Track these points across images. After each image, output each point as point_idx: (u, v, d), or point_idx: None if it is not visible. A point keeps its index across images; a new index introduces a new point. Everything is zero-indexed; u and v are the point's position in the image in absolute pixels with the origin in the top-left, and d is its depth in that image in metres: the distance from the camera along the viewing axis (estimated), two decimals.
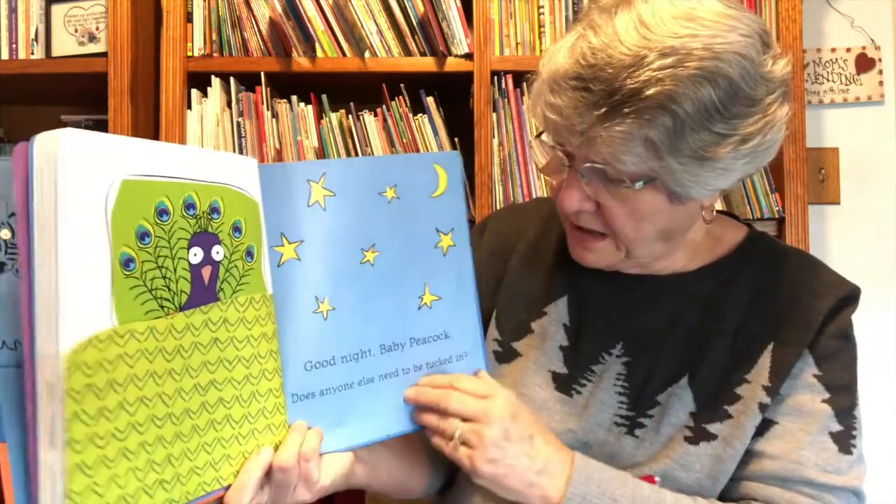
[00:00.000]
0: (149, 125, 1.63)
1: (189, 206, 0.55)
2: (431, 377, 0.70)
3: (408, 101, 1.60)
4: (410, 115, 1.59)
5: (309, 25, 1.57)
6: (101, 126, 1.68)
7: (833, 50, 1.93)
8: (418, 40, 1.60)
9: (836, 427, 0.72)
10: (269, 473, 0.61)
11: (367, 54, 1.59)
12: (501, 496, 0.68)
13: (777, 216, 1.61)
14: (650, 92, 0.60)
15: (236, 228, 0.59)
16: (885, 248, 1.94)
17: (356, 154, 1.60)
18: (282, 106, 1.60)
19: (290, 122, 1.60)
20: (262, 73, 1.58)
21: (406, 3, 1.58)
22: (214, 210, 0.57)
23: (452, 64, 1.59)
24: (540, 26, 1.62)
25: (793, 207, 1.60)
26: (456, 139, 1.61)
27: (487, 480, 0.67)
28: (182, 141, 1.58)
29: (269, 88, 1.60)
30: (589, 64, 0.62)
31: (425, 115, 1.59)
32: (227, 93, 1.61)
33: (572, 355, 0.79)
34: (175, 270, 0.53)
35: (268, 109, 1.59)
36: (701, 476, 0.71)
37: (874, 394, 1.91)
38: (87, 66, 1.57)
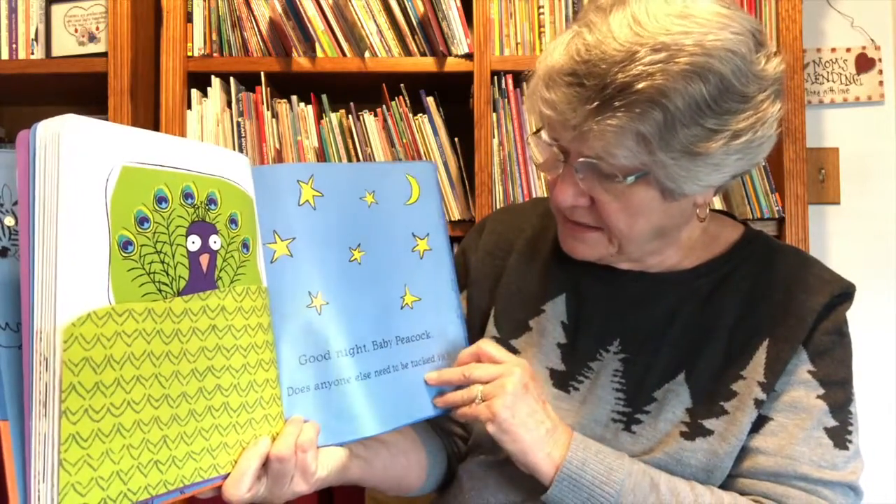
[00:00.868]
0: (149, 125, 1.63)
1: (187, 195, 0.56)
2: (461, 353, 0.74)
3: (408, 101, 1.60)
4: (410, 115, 1.59)
5: (309, 25, 1.57)
6: None
7: (833, 50, 1.93)
8: (418, 40, 1.60)
9: (831, 422, 0.72)
10: (266, 464, 0.61)
11: (367, 54, 1.59)
12: (507, 448, 0.70)
13: (777, 216, 1.61)
14: (641, 86, 0.61)
15: (232, 220, 0.60)
16: (885, 248, 1.94)
17: (356, 154, 1.60)
18: (282, 106, 1.60)
19: (290, 122, 1.60)
20: (262, 73, 1.58)
21: (406, 3, 1.58)
22: (212, 201, 0.58)
23: (452, 64, 1.59)
24: (540, 26, 1.62)
25: (793, 207, 1.60)
26: (456, 139, 1.61)
27: (502, 429, 0.69)
28: None
29: (269, 88, 1.60)
30: (583, 60, 0.64)
31: (425, 115, 1.59)
32: (227, 93, 1.61)
33: (570, 352, 0.80)
34: (173, 256, 0.55)
35: (268, 109, 1.59)
36: (696, 470, 0.72)
37: (873, 393, 1.91)
38: (87, 66, 1.57)
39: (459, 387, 0.73)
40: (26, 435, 0.47)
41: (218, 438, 0.58)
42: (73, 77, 1.59)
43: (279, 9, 1.56)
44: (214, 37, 1.60)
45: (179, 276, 0.55)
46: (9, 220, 0.52)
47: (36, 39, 1.59)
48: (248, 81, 1.61)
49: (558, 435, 0.70)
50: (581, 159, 0.68)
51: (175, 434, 0.54)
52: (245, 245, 0.62)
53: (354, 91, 1.67)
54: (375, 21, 1.59)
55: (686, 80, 0.61)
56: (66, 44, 1.59)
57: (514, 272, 0.86)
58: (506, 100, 1.59)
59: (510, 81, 1.59)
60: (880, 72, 1.93)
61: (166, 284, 0.54)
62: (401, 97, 1.60)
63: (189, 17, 1.59)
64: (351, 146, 1.60)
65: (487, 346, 0.73)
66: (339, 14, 1.59)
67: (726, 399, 0.74)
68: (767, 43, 0.68)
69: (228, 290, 0.59)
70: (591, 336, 0.80)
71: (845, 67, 1.93)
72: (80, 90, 1.66)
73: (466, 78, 1.59)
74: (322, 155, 1.60)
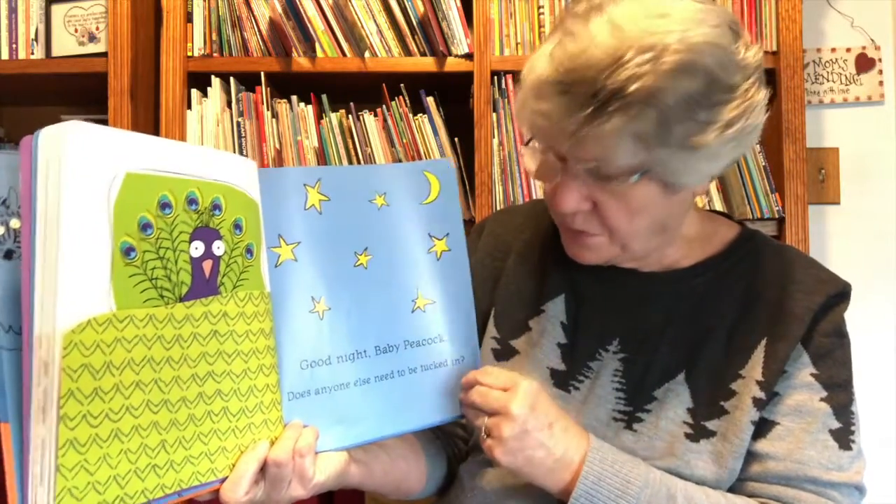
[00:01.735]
0: (149, 125, 1.63)
1: (191, 201, 0.57)
2: (467, 376, 0.72)
3: (408, 101, 1.60)
4: (410, 115, 1.59)
5: (309, 25, 1.57)
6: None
7: (833, 50, 1.93)
8: (418, 40, 1.60)
9: (836, 424, 0.73)
10: (264, 468, 0.61)
11: (367, 54, 1.59)
12: (523, 479, 0.71)
13: (777, 216, 1.61)
14: (633, 88, 0.62)
15: (237, 226, 0.61)
16: (885, 248, 1.94)
17: (356, 154, 1.60)
18: (282, 106, 1.60)
19: (290, 122, 1.60)
20: (262, 73, 1.58)
21: (406, 3, 1.58)
22: (216, 207, 0.59)
23: (452, 64, 1.59)
24: (540, 26, 1.62)
25: (793, 207, 1.60)
26: (456, 139, 1.61)
27: (508, 469, 0.69)
28: (182, 141, 1.58)
29: (269, 88, 1.60)
30: (568, 69, 0.64)
31: (425, 115, 1.59)
32: (227, 93, 1.61)
33: (570, 352, 0.80)
34: (176, 262, 0.55)
35: (268, 109, 1.59)
36: (704, 474, 0.72)
37: (873, 392, 1.91)
38: (87, 66, 1.57)
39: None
40: (24, 438, 0.48)
41: (217, 443, 0.58)
42: (73, 77, 1.59)
43: (279, 9, 1.56)
44: (214, 37, 1.60)
45: (182, 282, 0.56)
46: (14, 223, 0.52)
47: (36, 39, 1.59)
48: (248, 81, 1.61)
49: (570, 455, 0.69)
50: (580, 165, 0.68)
51: (174, 438, 0.55)
52: (249, 250, 0.62)
53: (354, 91, 1.67)
54: (375, 21, 1.59)
55: (675, 77, 0.62)
56: (66, 44, 1.59)
57: (513, 273, 0.86)
58: (506, 100, 1.59)
59: (510, 81, 1.59)
60: (880, 72, 1.93)
61: (168, 290, 0.55)
62: (401, 97, 1.60)
63: (189, 17, 1.59)
64: (351, 146, 1.60)
65: (486, 376, 0.71)
66: (339, 14, 1.59)
67: (726, 399, 0.74)
68: (744, 33, 0.69)
69: (231, 296, 0.60)
70: (590, 336, 0.81)
71: (845, 67, 1.93)
72: (80, 90, 1.66)
73: (466, 78, 1.59)
74: (322, 155, 1.60)
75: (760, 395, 0.73)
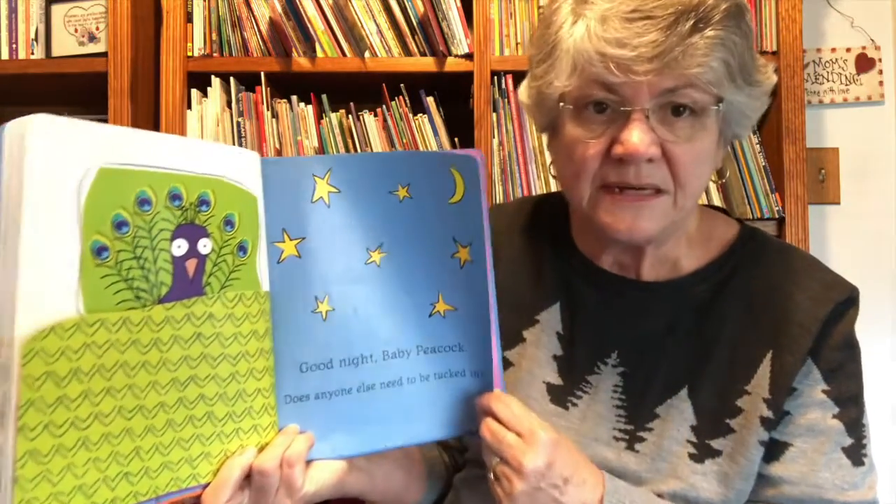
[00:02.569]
0: (149, 125, 1.63)
1: (174, 196, 0.54)
2: (483, 399, 0.66)
3: (408, 101, 1.60)
4: (410, 115, 1.59)
5: (309, 25, 1.57)
6: None
7: (833, 50, 1.93)
8: (418, 40, 1.60)
9: (848, 441, 0.71)
10: (249, 476, 0.59)
11: (367, 54, 1.59)
12: None
13: (777, 216, 1.61)
14: (726, 4, 0.64)
15: (228, 222, 0.58)
16: (885, 248, 1.94)
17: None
18: (282, 106, 1.60)
19: (290, 122, 1.60)
20: (262, 73, 1.58)
21: (406, 3, 1.58)
22: (203, 202, 0.56)
23: (452, 64, 1.59)
24: None
25: (793, 207, 1.60)
26: (456, 139, 1.61)
27: None
28: None
29: (269, 88, 1.60)
30: None
31: (425, 115, 1.59)
32: (227, 93, 1.61)
33: (567, 365, 0.77)
34: (155, 262, 0.52)
35: (268, 109, 1.59)
36: (710, 496, 0.70)
37: (872, 394, 1.90)
38: (87, 66, 1.57)
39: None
40: None
41: (199, 448, 0.56)
42: (73, 77, 1.59)
43: (279, 9, 1.56)
44: (214, 37, 1.60)
45: (161, 283, 0.53)
46: None
47: (36, 39, 1.59)
48: (248, 81, 1.61)
49: None
50: (654, 101, 0.65)
51: (149, 445, 0.52)
52: (242, 248, 0.59)
53: (354, 91, 1.67)
54: (375, 21, 1.59)
55: (747, 9, 0.67)
56: (66, 44, 1.59)
57: (503, 279, 0.79)
58: (506, 100, 1.59)
59: (510, 81, 1.59)
60: (880, 72, 1.93)
61: (146, 291, 0.52)
62: (401, 97, 1.60)
63: (189, 17, 1.59)
64: (351, 146, 1.60)
65: (502, 410, 0.65)
66: (339, 14, 1.59)
67: (731, 416, 0.71)
68: None
69: (218, 296, 0.57)
70: (588, 347, 0.77)
71: (845, 67, 1.93)
72: (80, 90, 1.66)
73: (466, 78, 1.59)
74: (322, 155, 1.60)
75: (768, 413, 0.70)
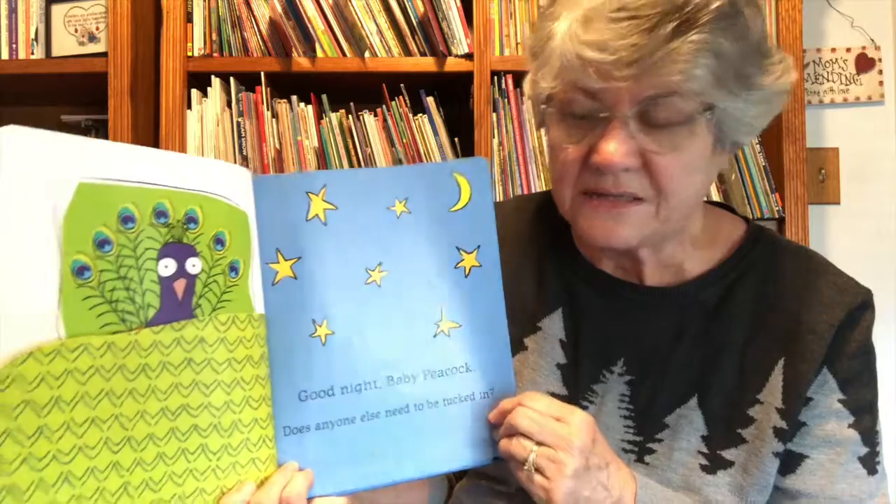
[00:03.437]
0: (149, 125, 1.63)
1: (160, 213, 0.51)
2: (504, 402, 0.63)
3: (408, 101, 1.60)
4: (410, 115, 1.59)
5: (309, 25, 1.57)
6: (102, 126, 1.68)
7: (833, 50, 1.93)
8: (418, 40, 1.60)
9: (864, 450, 0.69)
10: None
11: (367, 54, 1.59)
12: None
13: (777, 216, 1.61)
14: (718, 3, 0.59)
15: (218, 240, 0.55)
16: (885, 248, 1.94)
17: (356, 154, 1.60)
18: (282, 106, 1.60)
19: (290, 122, 1.60)
20: (262, 73, 1.58)
21: (406, 3, 1.58)
22: (191, 220, 0.53)
23: (452, 64, 1.59)
24: None
25: (793, 207, 1.60)
26: (456, 139, 1.61)
27: None
28: (182, 141, 1.58)
29: (269, 88, 1.60)
30: None
31: (425, 115, 1.59)
32: (227, 93, 1.61)
33: (571, 374, 0.74)
34: (141, 282, 0.49)
35: (268, 109, 1.59)
36: None
37: None
38: (87, 66, 1.57)
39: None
40: None
41: (193, 484, 0.52)
42: (73, 77, 1.59)
43: (279, 9, 1.56)
44: (214, 37, 1.60)
45: (148, 305, 0.49)
46: None
47: (36, 39, 1.59)
48: (248, 81, 1.61)
49: (626, 498, 0.63)
50: (634, 108, 0.61)
51: (139, 480, 0.49)
52: (233, 268, 0.56)
53: (354, 91, 1.67)
54: (375, 21, 1.59)
55: (748, 6, 0.62)
56: (66, 44, 1.59)
57: (504, 283, 0.76)
58: (506, 100, 1.59)
59: (510, 81, 1.59)
60: (880, 72, 1.93)
61: (132, 314, 0.48)
62: (401, 97, 1.60)
63: (189, 17, 1.59)
64: (351, 146, 1.60)
65: (535, 402, 0.62)
66: (339, 14, 1.59)
67: (743, 426, 0.69)
68: None
69: (209, 320, 0.53)
70: (592, 355, 0.74)
71: (845, 67, 1.93)
72: (80, 90, 1.66)
73: (466, 78, 1.59)
74: (322, 155, 1.60)
75: (782, 424, 0.68)
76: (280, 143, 1.59)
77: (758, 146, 1.62)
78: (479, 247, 0.65)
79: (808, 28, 1.82)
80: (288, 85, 1.65)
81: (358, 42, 1.60)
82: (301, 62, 1.59)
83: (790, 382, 0.68)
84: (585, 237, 0.69)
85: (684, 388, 0.71)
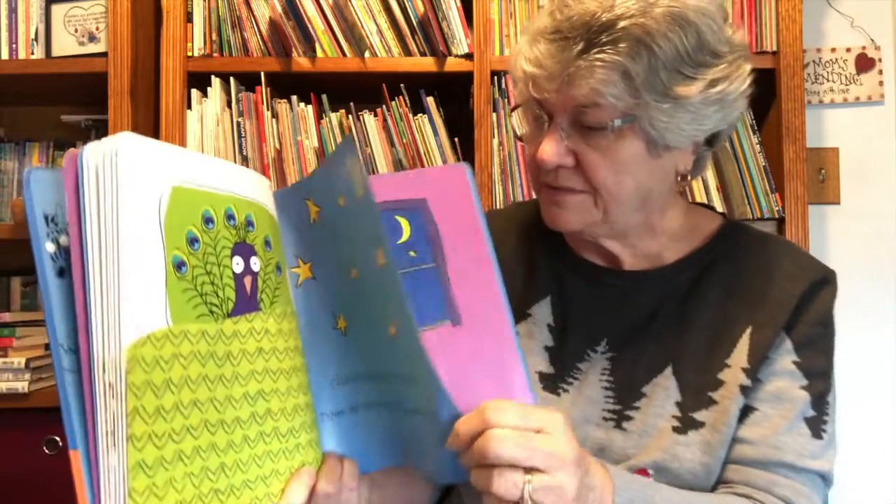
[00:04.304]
0: (149, 125, 1.63)
1: (229, 216, 0.55)
2: (465, 422, 0.55)
3: (408, 101, 1.60)
4: (410, 115, 1.59)
5: (309, 25, 1.57)
6: (102, 126, 1.68)
7: (833, 50, 1.93)
8: (418, 40, 1.60)
9: (811, 413, 0.74)
10: (311, 497, 0.58)
11: (367, 54, 1.59)
12: None
13: (777, 216, 1.61)
14: (624, 24, 0.66)
15: (267, 243, 0.60)
16: (885, 248, 1.94)
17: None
18: (282, 106, 1.60)
19: (290, 122, 1.60)
20: (262, 73, 1.58)
21: (406, 3, 1.58)
22: (249, 223, 0.57)
23: (452, 64, 1.59)
24: None
25: (793, 207, 1.60)
26: (456, 139, 1.61)
27: None
28: (182, 141, 1.58)
29: (269, 88, 1.60)
30: (566, 17, 0.68)
31: (425, 115, 1.59)
32: (227, 93, 1.61)
33: (558, 355, 0.80)
34: (221, 277, 0.54)
35: (268, 109, 1.59)
36: (692, 464, 0.72)
37: (872, 392, 1.91)
38: (87, 66, 1.57)
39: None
40: (93, 465, 0.46)
41: (270, 465, 0.56)
42: (73, 77, 1.59)
43: (279, 9, 1.56)
44: (214, 37, 1.60)
45: (228, 298, 0.54)
46: (63, 240, 0.50)
47: (36, 39, 1.59)
48: (248, 81, 1.61)
49: (605, 497, 0.60)
50: (566, 116, 0.70)
51: (231, 461, 0.52)
52: (278, 267, 0.61)
53: (354, 91, 1.67)
54: (375, 21, 1.59)
55: (666, 24, 0.66)
56: (66, 44, 1.59)
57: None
58: (506, 100, 1.59)
59: (510, 81, 1.58)
60: (880, 72, 1.93)
61: (217, 306, 0.53)
62: (401, 97, 1.60)
63: (189, 17, 1.59)
64: None
65: (504, 415, 0.53)
66: (339, 14, 1.59)
67: (713, 389, 0.74)
68: (730, 19, 0.74)
69: (270, 312, 0.58)
70: (578, 337, 0.80)
71: (845, 67, 1.93)
72: (80, 90, 1.67)
73: (466, 78, 1.60)
74: (322, 155, 1.60)
75: (747, 382, 0.74)
76: (280, 143, 1.59)
77: (758, 146, 1.62)
78: (381, 241, 0.57)
79: (808, 28, 1.82)
80: (288, 85, 1.65)
81: (358, 42, 1.60)
82: (301, 62, 1.59)
83: (755, 346, 0.75)
84: (545, 221, 0.78)
85: (660, 360, 0.77)
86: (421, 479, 0.78)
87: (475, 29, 1.57)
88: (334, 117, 1.60)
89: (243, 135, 1.59)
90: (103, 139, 0.48)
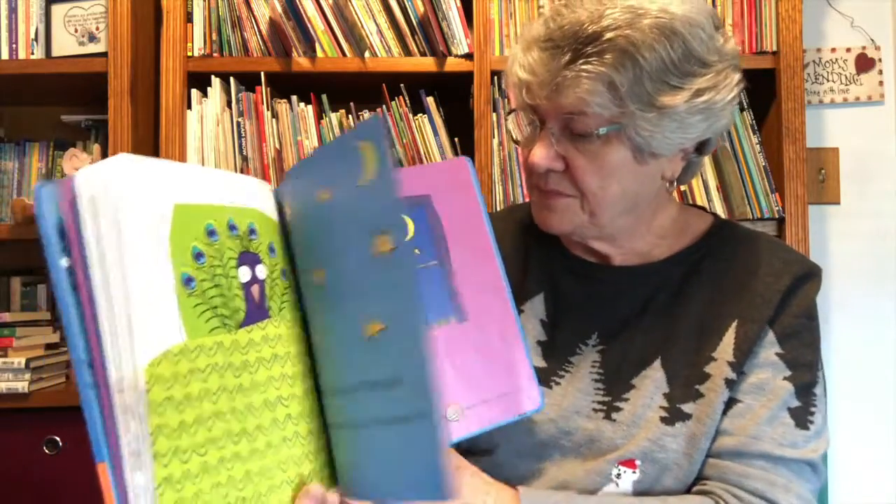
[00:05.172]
0: (149, 125, 1.63)
1: (231, 227, 0.56)
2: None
3: (408, 101, 1.60)
4: (410, 115, 1.59)
5: (309, 25, 1.57)
6: (102, 126, 1.68)
7: (833, 50, 1.93)
8: (418, 40, 1.60)
9: (795, 403, 0.75)
10: None
11: (367, 54, 1.59)
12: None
13: (777, 216, 1.61)
14: (610, 35, 0.68)
15: (271, 249, 0.60)
16: (885, 248, 1.94)
17: None
18: (282, 106, 1.60)
19: (290, 122, 1.60)
20: (262, 73, 1.58)
21: (406, 3, 1.58)
22: (252, 231, 0.58)
23: (452, 64, 1.59)
24: None
25: (793, 207, 1.60)
26: (456, 139, 1.61)
27: None
28: (182, 141, 1.58)
29: (269, 88, 1.60)
30: (558, 26, 0.70)
31: (425, 115, 1.59)
32: (227, 93, 1.61)
33: (550, 349, 0.82)
34: (230, 289, 0.54)
35: (268, 109, 1.59)
36: (677, 455, 0.74)
37: (872, 392, 1.91)
38: (87, 66, 1.57)
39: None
40: (119, 481, 0.46)
41: (294, 469, 0.57)
42: (73, 77, 1.59)
43: (279, 9, 1.56)
44: (214, 37, 1.60)
45: (238, 308, 0.55)
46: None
47: (36, 39, 1.59)
48: (248, 81, 1.61)
49: None
50: (555, 121, 0.72)
51: (257, 468, 0.53)
52: (283, 272, 0.61)
53: (354, 91, 1.67)
54: (375, 21, 1.59)
55: (653, 36, 0.68)
56: (66, 44, 1.59)
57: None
58: (506, 100, 1.59)
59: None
60: (880, 72, 1.93)
61: (228, 317, 0.53)
62: (401, 97, 1.60)
63: (189, 17, 1.59)
64: None
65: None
66: (339, 14, 1.59)
67: (700, 382, 0.76)
68: (723, 28, 0.75)
69: (280, 318, 0.59)
70: (569, 332, 0.82)
71: (845, 67, 1.93)
72: (80, 90, 1.66)
73: (466, 78, 1.60)
74: None
75: (732, 375, 0.75)
76: (280, 143, 1.59)
77: (758, 146, 1.62)
78: (391, 227, 0.52)
79: (808, 28, 1.82)
80: (288, 85, 1.65)
81: (358, 42, 1.60)
82: (301, 62, 1.59)
83: (741, 340, 0.76)
84: (536, 222, 0.81)
85: (650, 353, 0.79)
86: None
87: (475, 29, 1.57)
88: (334, 117, 1.60)
89: (243, 135, 1.59)
90: (98, 164, 0.47)
